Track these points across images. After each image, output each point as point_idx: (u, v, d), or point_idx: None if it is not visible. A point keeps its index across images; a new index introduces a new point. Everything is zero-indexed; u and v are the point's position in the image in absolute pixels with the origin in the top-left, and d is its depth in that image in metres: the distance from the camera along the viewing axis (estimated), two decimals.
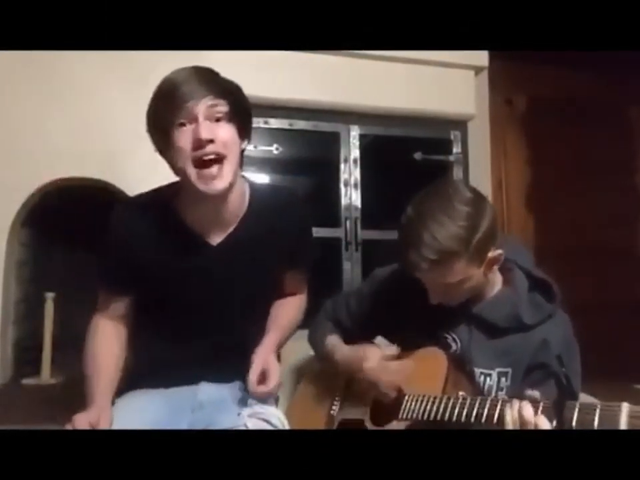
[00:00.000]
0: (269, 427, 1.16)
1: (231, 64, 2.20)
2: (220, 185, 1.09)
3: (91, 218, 2.03)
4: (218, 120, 1.08)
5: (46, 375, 2.13)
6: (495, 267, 1.16)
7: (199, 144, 1.06)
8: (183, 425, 1.16)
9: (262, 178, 2.45)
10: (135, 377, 1.25)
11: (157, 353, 1.25)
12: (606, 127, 2.91)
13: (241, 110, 1.13)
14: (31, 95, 2.09)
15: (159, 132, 1.10)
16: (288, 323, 1.33)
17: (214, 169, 1.08)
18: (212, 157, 1.07)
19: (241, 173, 1.23)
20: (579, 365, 1.18)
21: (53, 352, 2.14)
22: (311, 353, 1.50)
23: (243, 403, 1.20)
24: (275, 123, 2.43)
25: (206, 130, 1.05)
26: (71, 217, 2.22)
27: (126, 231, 1.19)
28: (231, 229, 1.20)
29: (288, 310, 1.35)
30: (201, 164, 1.07)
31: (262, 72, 2.28)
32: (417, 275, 1.13)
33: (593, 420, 0.87)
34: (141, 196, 1.26)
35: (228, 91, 1.11)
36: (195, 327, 1.23)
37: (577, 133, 2.85)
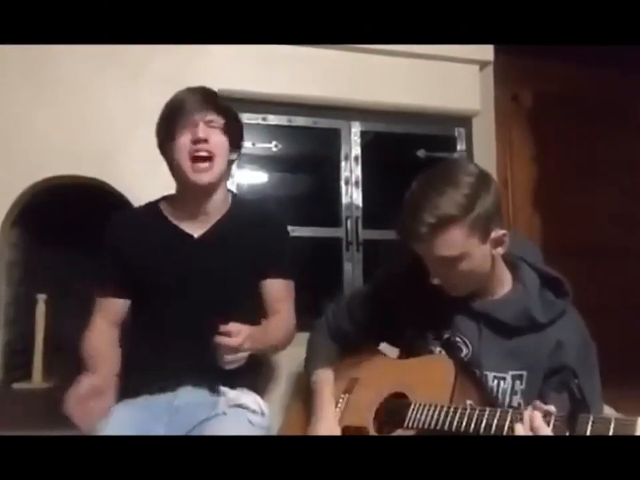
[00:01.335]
0: (247, 413, 1.29)
1: (229, 59, 2.19)
2: (209, 177, 1.36)
3: (84, 217, 2.00)
4: (214, 128, 1.37)
5: (37, 379, 2.08)
6: (500, 250, 1.14)
7: (196, 140, 1.34)
8: (160, 431, 1.24)
9: (261, 176, 2.40)
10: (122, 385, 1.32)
11: (140, 357, 1.34)
12: (614, 123, 2.87)
13: (234, 126, 1.44)
14: (24, 93, 2.04)
15: (168, 134, 1.37)
16: (270, 331, 1.40)
17: (206, 164, 1.35)
18: (204, 153, 1.34)
19: (228, 179, 1.49)
20: (595, 373, 1.15)
21: (44, 355, 2.09)
22: None
23: (213, 390, 1.31)
24: (273, 119, 2.36)
25: (203, 131, 1.35)
26: (63, 216, 2.18)
27: (118, 231, 1.44)
28: (211, 225, 1.42)
29: (273, 325, 1.43)
30: (195, 159, 1.34)
31: (260, 67, 2.23)
32: (416, 246, 1.12)
33: (607, 434, 0.85)
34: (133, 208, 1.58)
35: (225, 110, 1.41)
36: (177, 321, 1.35)
37: (584, 129, 2.81)
